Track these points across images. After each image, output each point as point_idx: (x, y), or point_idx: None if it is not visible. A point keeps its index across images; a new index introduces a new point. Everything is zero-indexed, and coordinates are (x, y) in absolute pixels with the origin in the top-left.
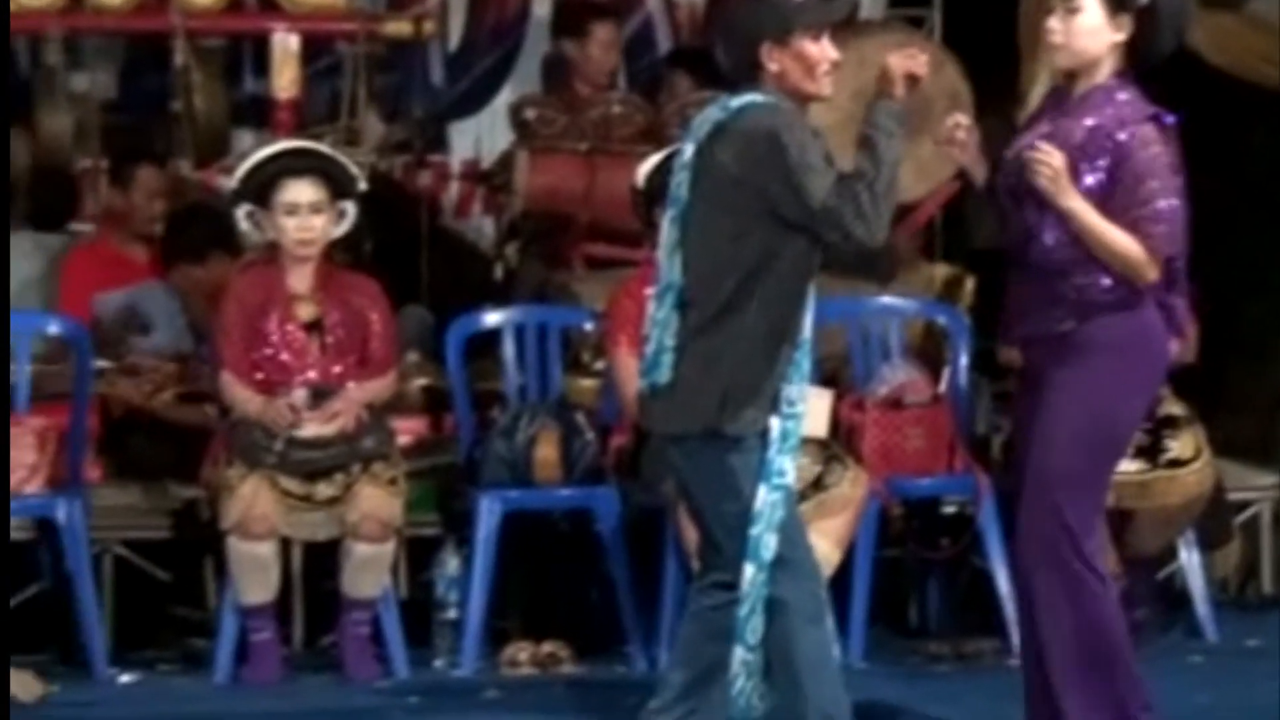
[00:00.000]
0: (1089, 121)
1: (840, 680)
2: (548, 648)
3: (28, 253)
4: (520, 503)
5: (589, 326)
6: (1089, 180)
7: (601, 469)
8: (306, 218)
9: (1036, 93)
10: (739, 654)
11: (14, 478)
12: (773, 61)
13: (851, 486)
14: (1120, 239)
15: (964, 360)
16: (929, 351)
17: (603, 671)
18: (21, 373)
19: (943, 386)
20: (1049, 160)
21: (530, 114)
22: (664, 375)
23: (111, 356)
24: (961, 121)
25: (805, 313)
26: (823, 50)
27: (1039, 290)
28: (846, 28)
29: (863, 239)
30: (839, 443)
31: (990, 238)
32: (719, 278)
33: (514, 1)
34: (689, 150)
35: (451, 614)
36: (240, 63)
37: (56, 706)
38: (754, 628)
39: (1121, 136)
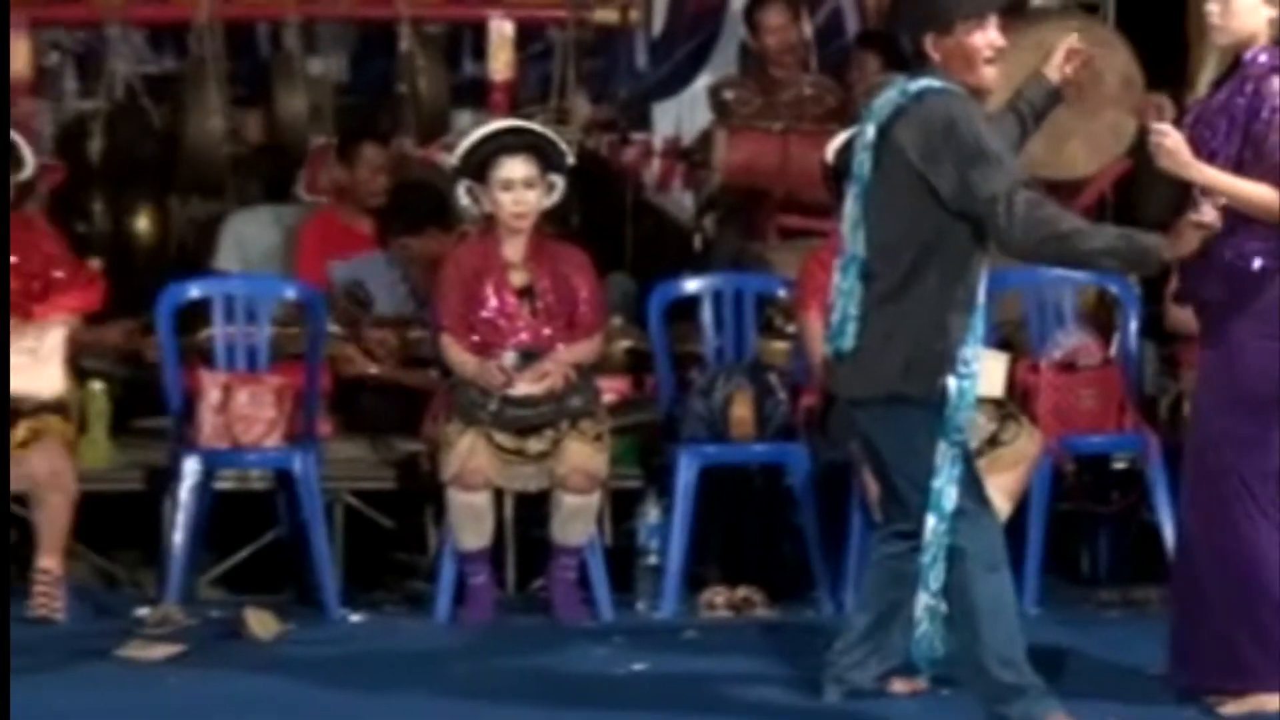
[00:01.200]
0: (1247, 89)
1: (1016, 625)
2: (742, 592)
3: (268, 224)
4: (717, 457)
5: (781, 293)
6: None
7: (792, 426)
8: (521, 192)
9: (1204, 77)
10: (922, 599)
11: (254, 432)
12: (936, 51)
13: (1025, 444)
14: (1256, 190)
15: (1134, 325)
16: (1100, 317)
17: (793, 615)
18: (262, 334)
19: (1113, 350)
20: (1163, 139)
21: (728, 95)
22: (848, 342)
23: (341, 324)
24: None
25: (979, 281)
26: (986, 39)
27: (1201, 257)
28: (1021, 15)
29: (1006, 244)
30: (1014, 403)
31: (1160, 213)
32: (899, 251)
33: None
34: (870, 131)
35: (653, 560)
36: (460, 47)
37: (292, 644)
38: (936, 575)
39: (1268, 94)
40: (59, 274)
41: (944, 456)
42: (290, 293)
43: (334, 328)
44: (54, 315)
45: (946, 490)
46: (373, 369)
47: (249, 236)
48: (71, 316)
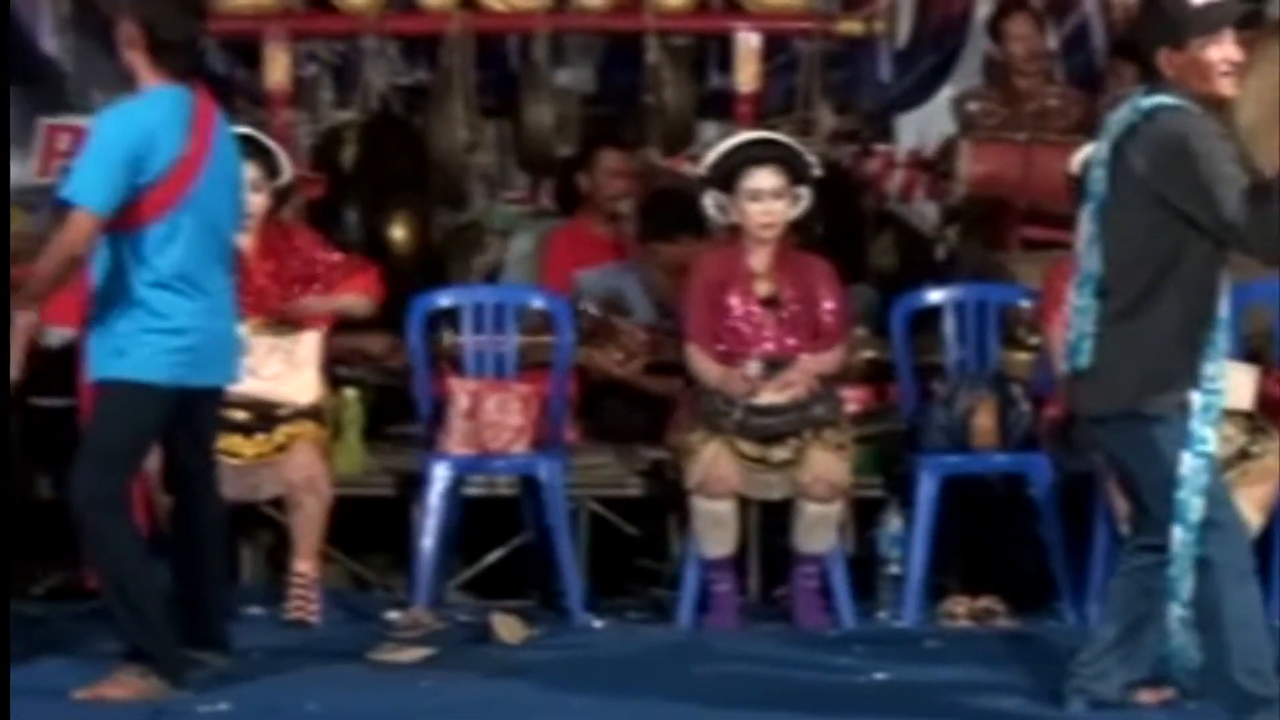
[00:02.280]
0: None
1: (1266, 636)
2: (984, 602)
3: (521, 235)
4: (959, 467)
5: (1025, 304)
6: None
7: (1035, 437)
8: (768, 203)
9: None
10: (1175, 611)
11: (502, 438)
12: (1170, 67)
13: (1276, 457)
14: None
15: None
16: None
17: (1035, 625)
18: (510, 343)
19: None
20: None
21: (972, 106)
22: (1085, 360)
23: (589, 332)
24: None
25: (1219, 297)
26: (1222, 53)
27: None
28: (1260, 28)
29: (1260, 257)
30: (1264, 416)
31: None
32: (1135, 268)
33: (958, 3)
34: (1105, 148)
35: (894, 569)
36: (706, 59)
37: (538, 649)
38: (1186, 587)
39: None
40: (335, 257)
41: (1189, 469)
42: (538, 301)
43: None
44: (349, 294)
45: (1192, 502)
46: (619, 371)
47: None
48: (366, 297)
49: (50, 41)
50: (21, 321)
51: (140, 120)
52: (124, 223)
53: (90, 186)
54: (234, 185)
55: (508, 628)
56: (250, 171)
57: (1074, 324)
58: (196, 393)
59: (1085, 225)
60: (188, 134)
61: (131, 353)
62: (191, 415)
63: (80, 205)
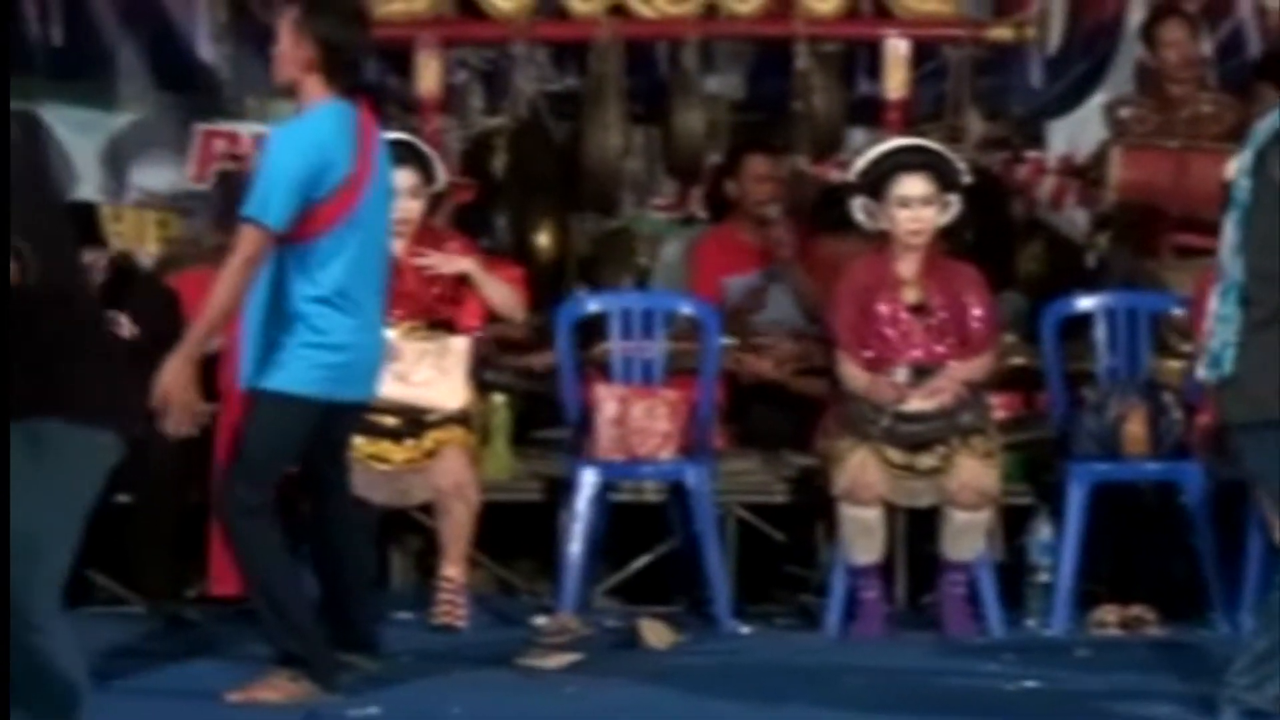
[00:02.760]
0: None
1: None
2: (1134, 610)
3: (669, 242)
4: (1109, 475)
5: (1176, 311)
6: None
7: (1187, 445)
8: (918, 209)
9: None
10: None
11: (649, 444)
12: None
13: None
14: None
15: None
16: None
17: (1186, 634)
18: (658, 349)
19: None
20: None
21: (1124, 113)
22: (1227, 368)
23: (738, 335)
24: None
25: None
26: None
27: None
28: None
29: None
30: None
31: None
32: (1276, 277)
33: (1110, 8)
34: (1249, 156)
35: (1043, 577)
36: (855, 65)
37: (685, 655)
38: None
39: None
40: (484, 262)
41: None
42: (686, 308)
43: (728, 339)
44: (504, 283)
45: None
46: (772, 372)
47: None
48: (516, 294)
49: (207, 49)
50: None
51: (316, 138)
52: (291, 237)
53: (267, 204)
54: (389, 198)
55: (655, 633)
56: (407, 178)
57: (1217, 332)
58: (342, 406)
59: (1229, 233)
60: (354, 150)
61: (287, 365)
62: (332, 427)
63: (250, 220)
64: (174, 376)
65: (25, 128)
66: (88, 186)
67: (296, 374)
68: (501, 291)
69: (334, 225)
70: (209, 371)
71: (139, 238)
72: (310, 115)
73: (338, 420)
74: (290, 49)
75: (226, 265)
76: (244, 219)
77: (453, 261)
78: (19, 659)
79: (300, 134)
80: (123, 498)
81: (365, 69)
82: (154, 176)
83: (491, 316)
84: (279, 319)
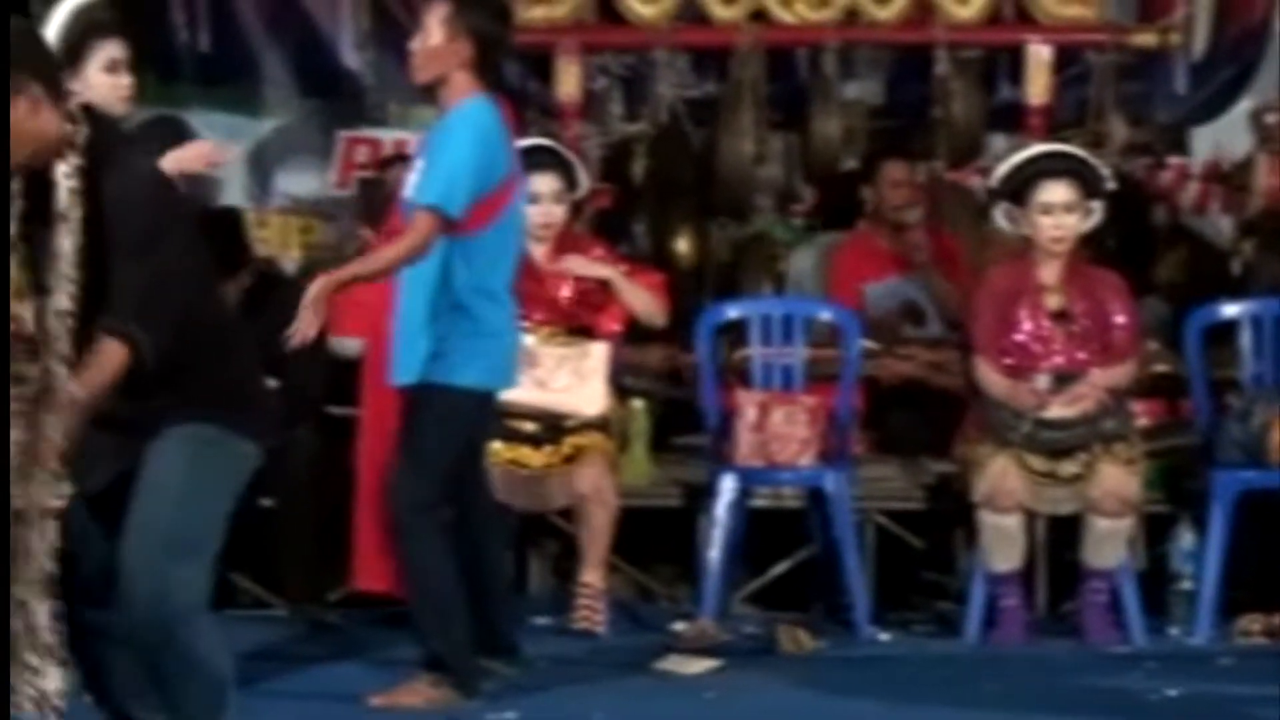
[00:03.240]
0: None
1: None
2: (1279, 619)
3: (805, 248)
4: (1254, 482)
5: None
6: None
7: None
8: (1060, 216)
9: None
10: None
11: (788, 450)
12: None
13: None
14: None
15: None
16: None
17: None
18: (797, 355)
19: None
20: None
21: (1271, 119)
22: None
23: (883, 341)
24: None
25: None
26: None
27: None
28: None
29: None
30: None
31: None
32: None
33: (1258, 14)
34: None
35: (1186, 585)
36: (995, 71)
37: (824, 661)
38: None
39: None
40: (624, 267)
41: None
42: (825, 314)
43: (869, 344)
44: (645, 289)
45: None
46: (912, 370)
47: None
48: (656, 301)
49: (351, 55)
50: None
51: (486, 131)
52: (459, 229)
53: (450, 193)
54: (524, 204)
55: (793, 640)
56: (550, 183)
57: None
58: (493, 398)
59: None
60: (507, 151)
61: (449, 357)
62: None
63: (432, 208)
64: (319, 290)
65: (175, 133)
66: (233, 192)
67: (458, 365)
68: (642, 298)
69: (496, 218)
70: (350, 375)
71: (282, 244)
72: (472, 109)
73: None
74: (443, 44)
75: (396, 241)
76: (424, 207)
77: (595, 268)
78: (170, 657)
79: (471, 125)
80: (265, 502)
81: (506, 72)
82: (298, 183)
83: (631, 323)
84: (440, 312)
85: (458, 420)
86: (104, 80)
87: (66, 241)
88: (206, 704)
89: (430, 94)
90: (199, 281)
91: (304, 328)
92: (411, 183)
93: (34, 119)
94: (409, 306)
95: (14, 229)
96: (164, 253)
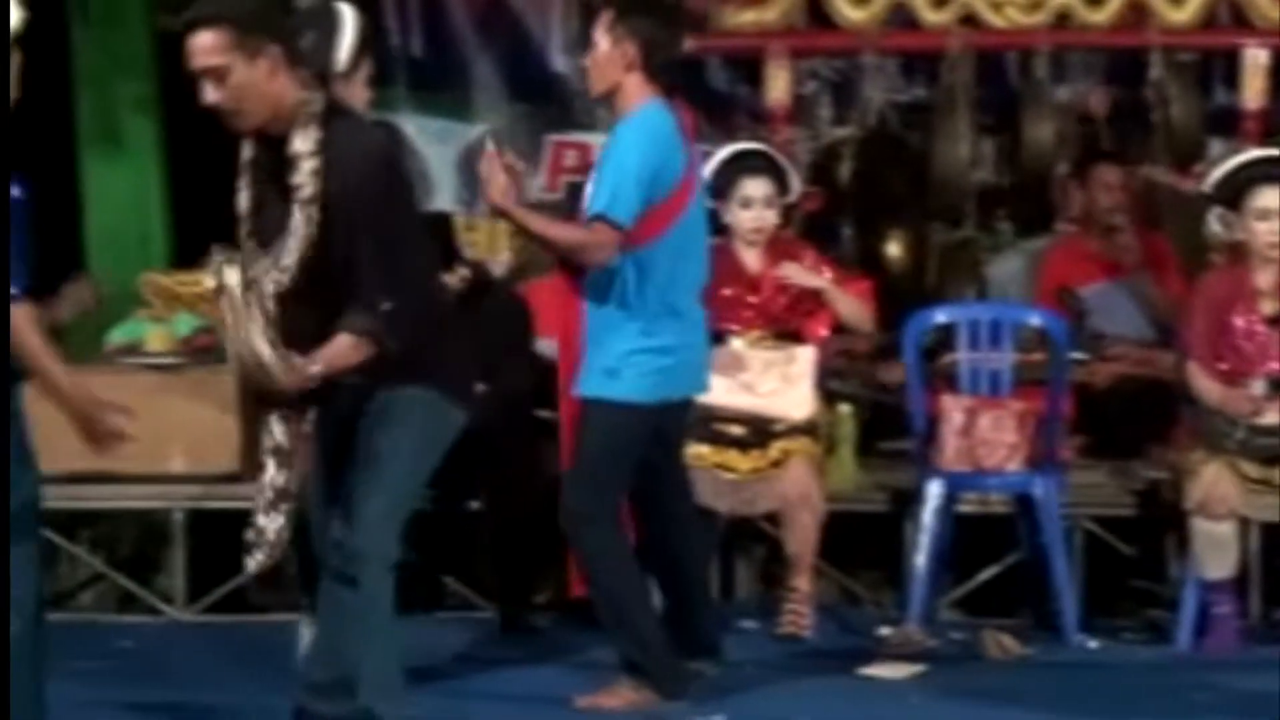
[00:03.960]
0: None
1: None
2: None
3: (1008, 254)
4: None
5: None
6: None
7: None
8: (1275, 222)
9: None
10: None
11: (996, 456)
12: None
13: None
14: None
15: None
16: None
17: None
18: (1004, 360)
19: None
20: None
21: None
22: None
23: (1087, 347)
24: None
25: None
26: None
27: None
28: None
29: None
30: None
31: None
32: None
33: None
34: None
35: None
36: (1212, 75)
37: (1030, 668)
38: None
39: None
40: (833, 272)
41: None
42: (1034, 319)
43: (1078, 355)
44: (854, 296)
45: None
46: (1124, 369)
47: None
48: (864, 307)
49: (561, 60)
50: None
51: (656, 136)
52: (628, 241)
53: (616, 200)
54: (704, 208)
55: (1001, 646)
56: (763, 188)
57: None
58: (673, 405)
59: None
60: (683, 154)
61: (622, 374)
62: (666, 425)
63: (600, 216)
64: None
65: (391, 138)
66: (444, 197)
67: (630, 383)
68: (852, 305)
69: (668, 228)
70: (548, 379)
71: (491, 248)
72: (644, 114)
73: (671, 417)
74: (608, 51)
75: (578, 236)
76: (595, 216)
77: (809, 277)
78: (352, 606)
79: (641, 131)
80: (473, 504)
81: (710, 76)
82: None
83: (838, 327)
84: (615, 325)
85: (626, 436)
86: (363, 95)
87: (302, 216)
88: (375, 666)
89: (608, 96)
90: (426, 251)
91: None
92: (588, 194)
93: (273, 81)
94: (591, 319)
95: (245, 199)
96: (401, 225)
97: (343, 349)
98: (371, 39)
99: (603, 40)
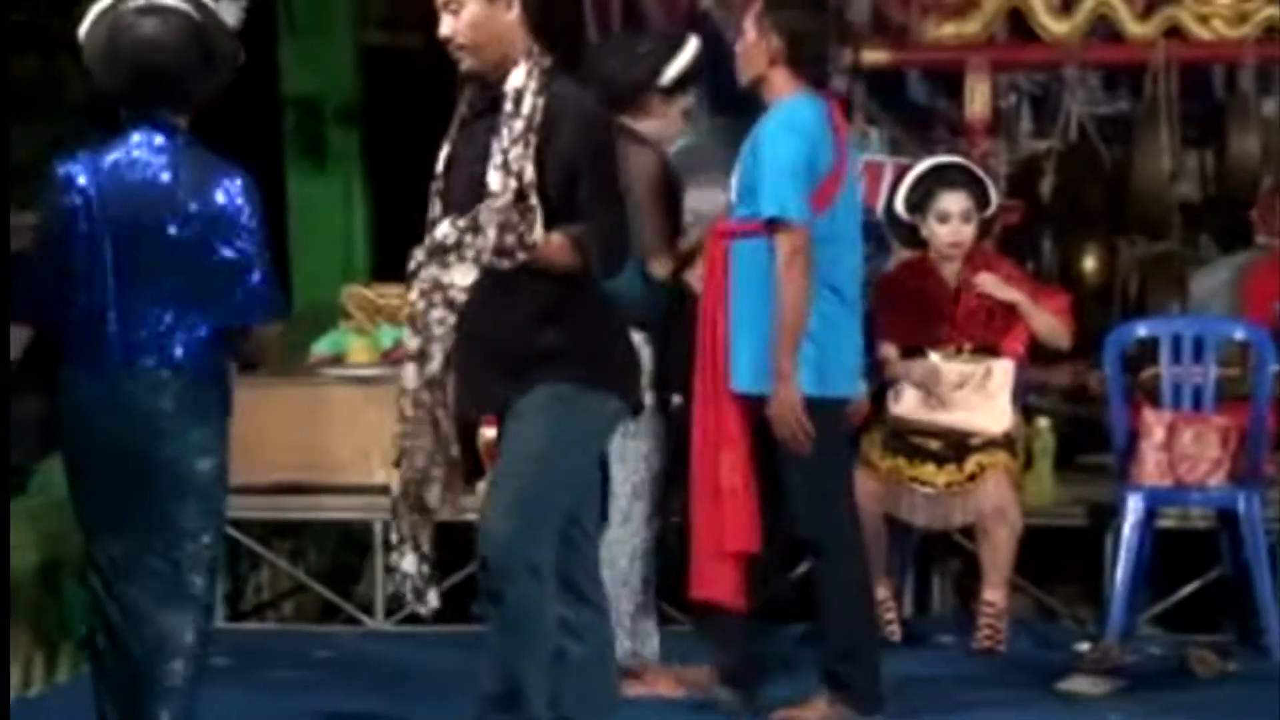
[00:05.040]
0: None
1: None
2: None
3: (1212, 268)
4: None
5: None
6: None
7: None
8: None
9: None
10: None
11: (1199, 470)
12: None
13: None
14: None
15: None
16: None
17: None
18: (1208, 374)
19: None
20: None
21: None
22: None
23: None
24: None
25: None
26: None
27: None
28: None
29: None
30: None
31: None
32: None
33: None
34: None
35: None
36: None
37: (1234, 684)
38: None
39: None
40: (1030, 285)
41: None
42: (1238, 333)
43: None
44: (1051, 312)
45: None
46: None
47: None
48: (1061, 323)
49: None
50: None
51: (802, 129)
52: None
53: (783, 200)
54: (858, 200)
55: (1203, 663)
56: (960, 202)
57: None
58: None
59: None
60: (832, 145)
61: (800, 369)
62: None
63: (780, 220)
64: (783, 407)
65: None
66: None
67: (810, 376)
68: (1048, 322)
69: (823, 213)
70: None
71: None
72: (789, 107)
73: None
74: (755, 42)
75: (777, 275)
76: (769, 222)
77: (1005, 289)
78: (498, 611)
79: (787, 125)
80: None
81: (910, 89)
82: (705, 200)
83: (1035, 342)
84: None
85: (834, 431)
86: (676, 126)
87: (498, 177)
88: (538, 677)
89: (756, 86)
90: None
91: (799, 444)
92: (734, 185)
93: (508, 23)
94: (742, 310)
95: (443, 155)
96: (615, 183)
97: (558, 244)
98: (696, 77)
99: (750, 30)
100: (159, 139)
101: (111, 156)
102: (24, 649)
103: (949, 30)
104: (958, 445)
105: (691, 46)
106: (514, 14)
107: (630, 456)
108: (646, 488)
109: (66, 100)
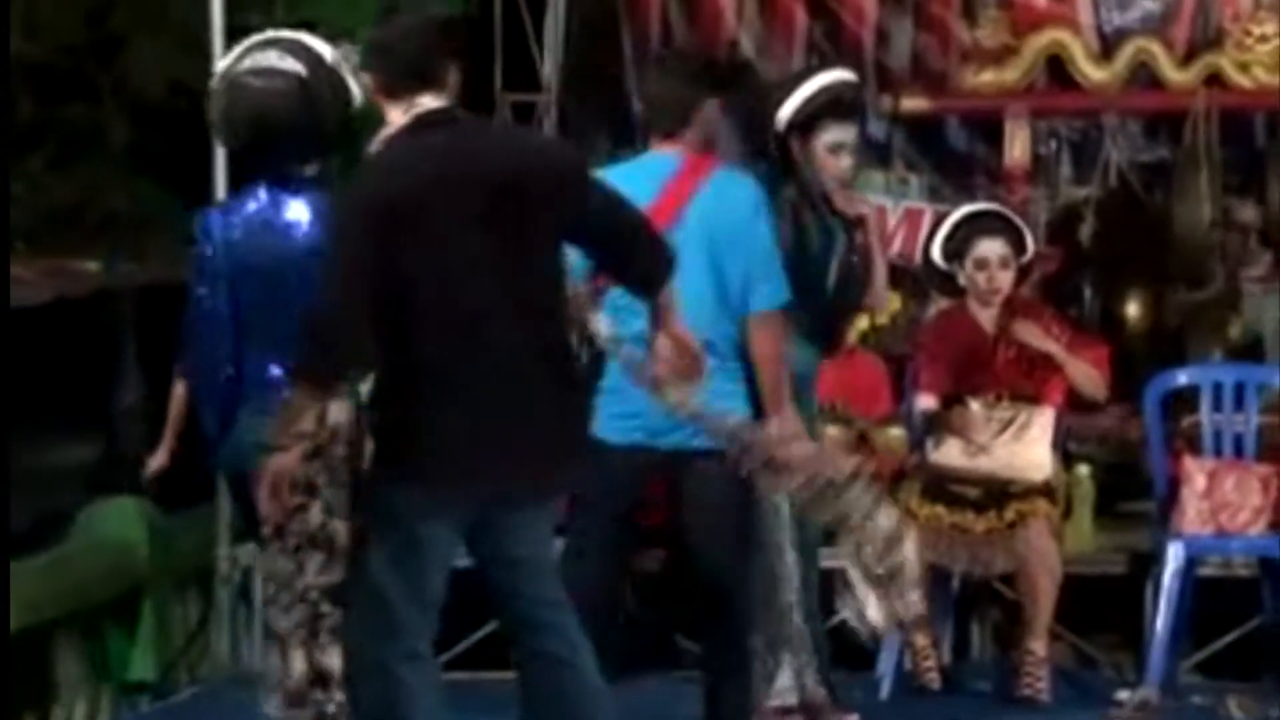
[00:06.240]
0: None
1: None
2: None
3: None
4: None
5: None
6: None
7: None
8: None
9: None
10: None
11: (1240, 518)
12: None
13: None
14: None
15: None
16: None
17: None
18: (1250, 421)
19: None
20: None
21: None
22: None
23: None
24: None
25: None
26: None
27: None
28: None
29: None
30: None
31: None
32: None
33: None
34: None
35: None
36: None
37: None
38: None
39: None
40: (1069, 335)
41: None
42: (1275, 380)
43: None
44: (1084, 365)
45: None
46: None
47: None
48: (1097, 374)
49: None
50: None
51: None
52: None
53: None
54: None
55: (1244, 710)
56: (997, 249)
57: None
58: None
59: None
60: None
61: None
62: None
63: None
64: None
65: None
66: None
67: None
68: (1085, 373)
69: None
70: None
71: None
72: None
73: None
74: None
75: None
76: (781, 309)
77: (1042, 339)
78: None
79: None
80: None
81: (949, 136)
82: None
83: (1074, 395)
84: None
85: None
86: (828, 160)
87: None
88: None
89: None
90: None
91: None
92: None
93: None
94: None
95: None
96: None
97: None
98: (838, 107)
99: None
100: (280, 192)
101: (243, 210)
102: (66, 693)
103: (988, 77)
104: (998, 493)
105: (816, 83)
106: None
107: None
108: None
109: (109, 147)
